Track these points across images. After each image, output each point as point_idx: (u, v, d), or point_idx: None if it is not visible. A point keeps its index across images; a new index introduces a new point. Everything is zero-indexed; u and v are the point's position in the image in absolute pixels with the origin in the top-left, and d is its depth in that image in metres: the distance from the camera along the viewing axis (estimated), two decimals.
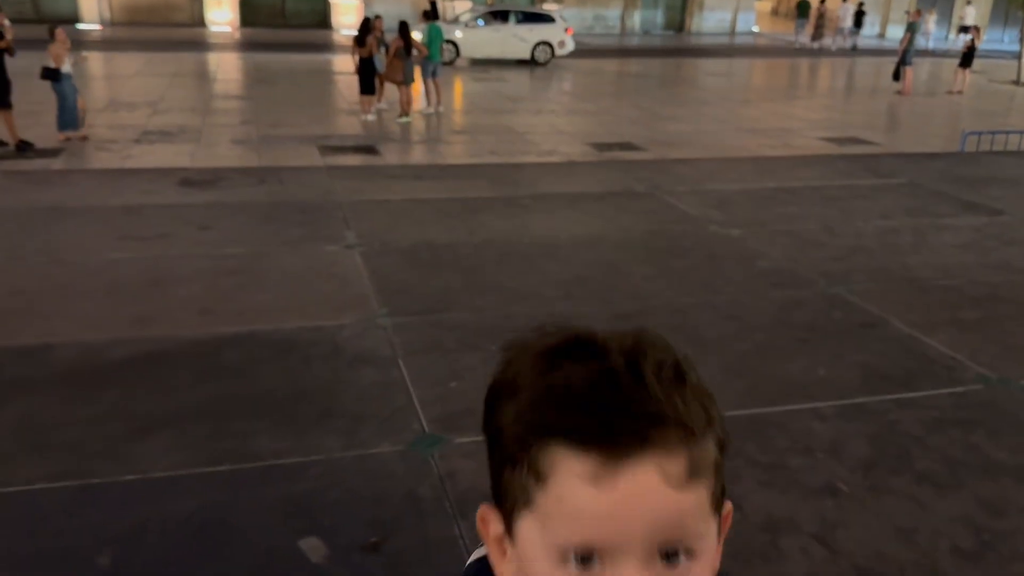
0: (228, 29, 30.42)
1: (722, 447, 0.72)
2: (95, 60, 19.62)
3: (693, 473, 0.68)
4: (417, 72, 14.35)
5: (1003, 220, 8.57)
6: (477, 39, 22.35)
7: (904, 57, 18.73)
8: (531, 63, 22.62)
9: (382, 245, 7.20)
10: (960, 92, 19.05)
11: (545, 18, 23.12)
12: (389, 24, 15.22)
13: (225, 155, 11.00)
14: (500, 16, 22.67)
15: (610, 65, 24.33)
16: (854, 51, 29.81)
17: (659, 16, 36.67)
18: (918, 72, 20.44)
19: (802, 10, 31.84)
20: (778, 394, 4.79)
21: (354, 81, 14.23)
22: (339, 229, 7.64)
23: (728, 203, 8.90)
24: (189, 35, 27.83)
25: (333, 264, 6.75)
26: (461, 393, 4.58)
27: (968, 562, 3.42)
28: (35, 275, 6.36)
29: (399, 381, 4.79)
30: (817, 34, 30.70)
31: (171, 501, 3.68)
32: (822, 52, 29.28)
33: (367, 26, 14.00)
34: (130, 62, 20.29)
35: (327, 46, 26.05)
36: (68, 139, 11.13)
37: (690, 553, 0.69)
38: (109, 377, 4.78)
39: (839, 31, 30.90)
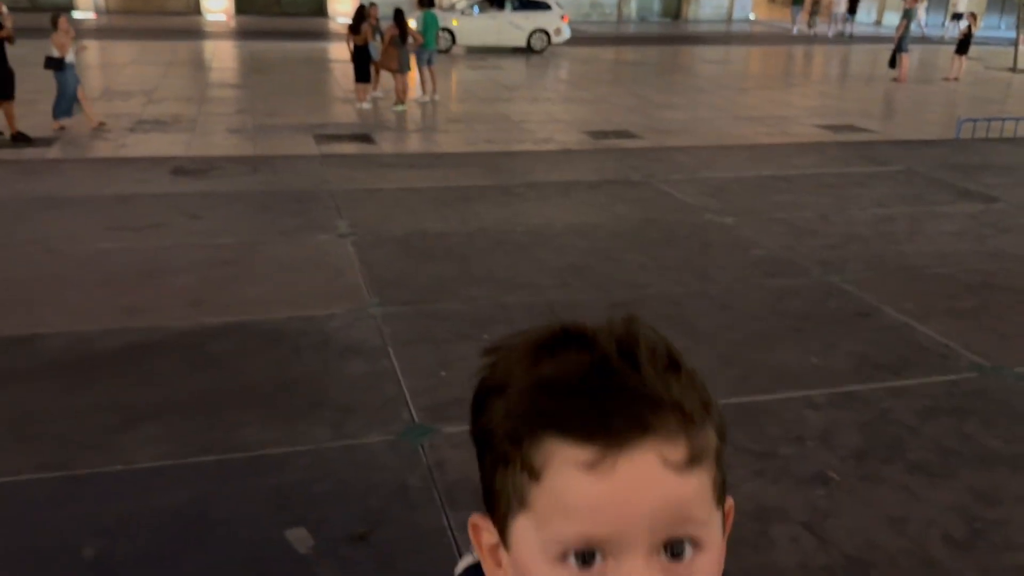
0: (223, 17, 30.32)
1: (722, 435, 0.69)
2: (90, 49, 19.49)
3: (694, 459, 0.65)
4: (412, 60, 14.30)
5: (998, 207, 8.54)
6: (473, 27, 22.25)
7: (900, 44, 18.68)
8: (527, 51, 22.53)
9: (375, 234, 7.17)
10: (956, 79, 18.99)
11: (541, 5, 23.00)
12: (384, 11, 15.14)
13: (220, 144, 10.95)
14: (496, 3, 22.54)
15: (606, 53, 24.25)
16: (849, 38, 29.74)
17: (655, 3, 36.61)
18: (914, 59, 20.37)
19: None
20: (770, 382, 4.77)
21: (350, 69, 14.17)
22: (332, 218, 7.60)
23: (723, 191, 8.87)
24: (184, 23, 27.73)
25: (325, 254, 6.72)
26: (451, 382, 4.56)
27: (960, 551, 3.41)
28: (26, 264, 6.33)
29: (389, 371, 4.76)
30: (811, 21, 30.64)
31: (158, 492, 3.66)
32: (818, 39, 29.20)
33: (362, 14, 13.91)
34: (125, 51, 20.21)
35: (323, 34, 25.96)
36: (62, 128, 11.08)
37: (696, 544, 0.66)
38: (98, 367, 4.76)
39: (833, 17, 30.89)
